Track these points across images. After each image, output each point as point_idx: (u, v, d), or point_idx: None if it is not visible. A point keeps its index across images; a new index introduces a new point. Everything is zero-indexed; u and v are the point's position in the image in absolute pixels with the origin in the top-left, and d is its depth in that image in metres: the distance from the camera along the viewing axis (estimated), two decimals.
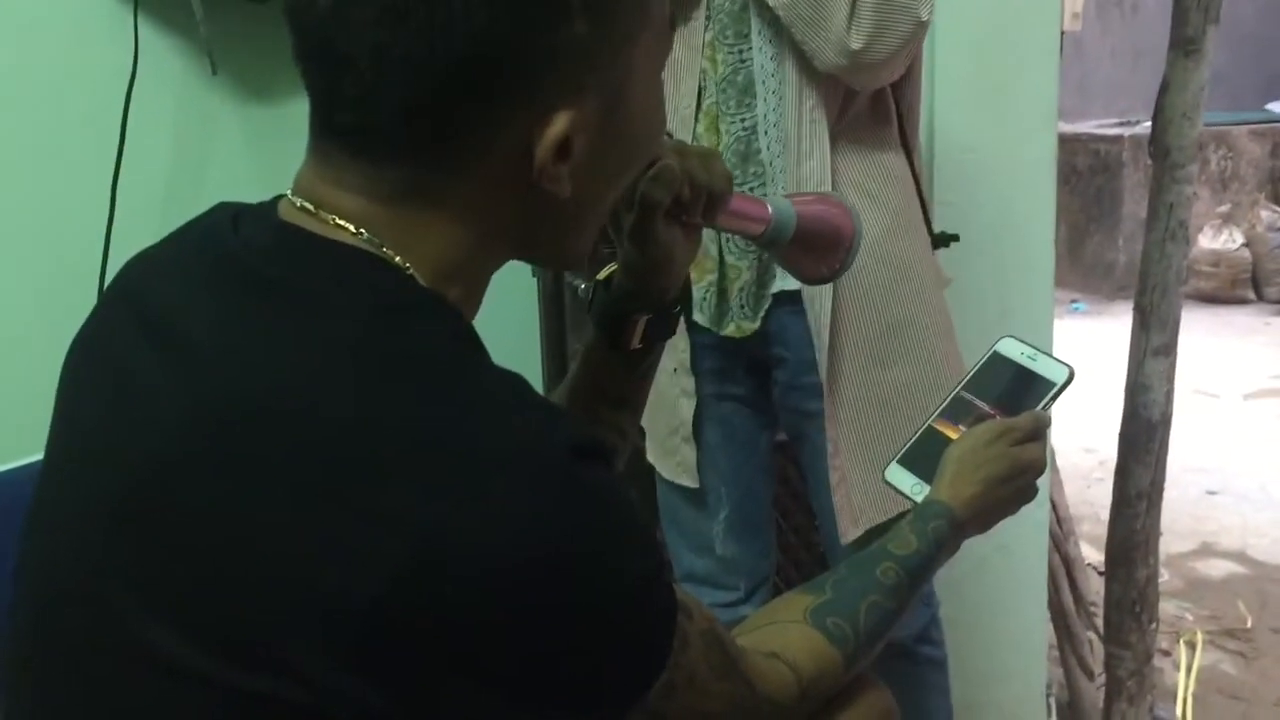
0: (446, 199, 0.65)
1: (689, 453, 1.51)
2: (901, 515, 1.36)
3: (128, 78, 1.60)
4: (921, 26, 1.28)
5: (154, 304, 0.68)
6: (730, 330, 1.45)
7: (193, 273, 0.68)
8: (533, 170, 0.65)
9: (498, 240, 0.69)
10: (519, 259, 0.73)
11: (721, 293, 1.44)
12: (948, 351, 1.45)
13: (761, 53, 1.36)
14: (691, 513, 1.57)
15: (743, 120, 1.38)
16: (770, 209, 0.94)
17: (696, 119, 1.40)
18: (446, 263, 0.66)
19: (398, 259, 0.65)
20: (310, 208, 0.66)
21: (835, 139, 1.36)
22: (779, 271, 1.41)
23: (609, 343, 0.93)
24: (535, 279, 1.71)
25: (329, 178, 0.66)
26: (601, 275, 0.94)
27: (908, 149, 1.45)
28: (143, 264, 0.73)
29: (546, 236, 0.72)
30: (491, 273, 0.71)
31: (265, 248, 0.66)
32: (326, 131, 0.66)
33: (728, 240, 1.42)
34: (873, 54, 1.28)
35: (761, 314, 1.43)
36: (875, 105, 1.41)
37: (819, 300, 1.37)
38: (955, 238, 1.54)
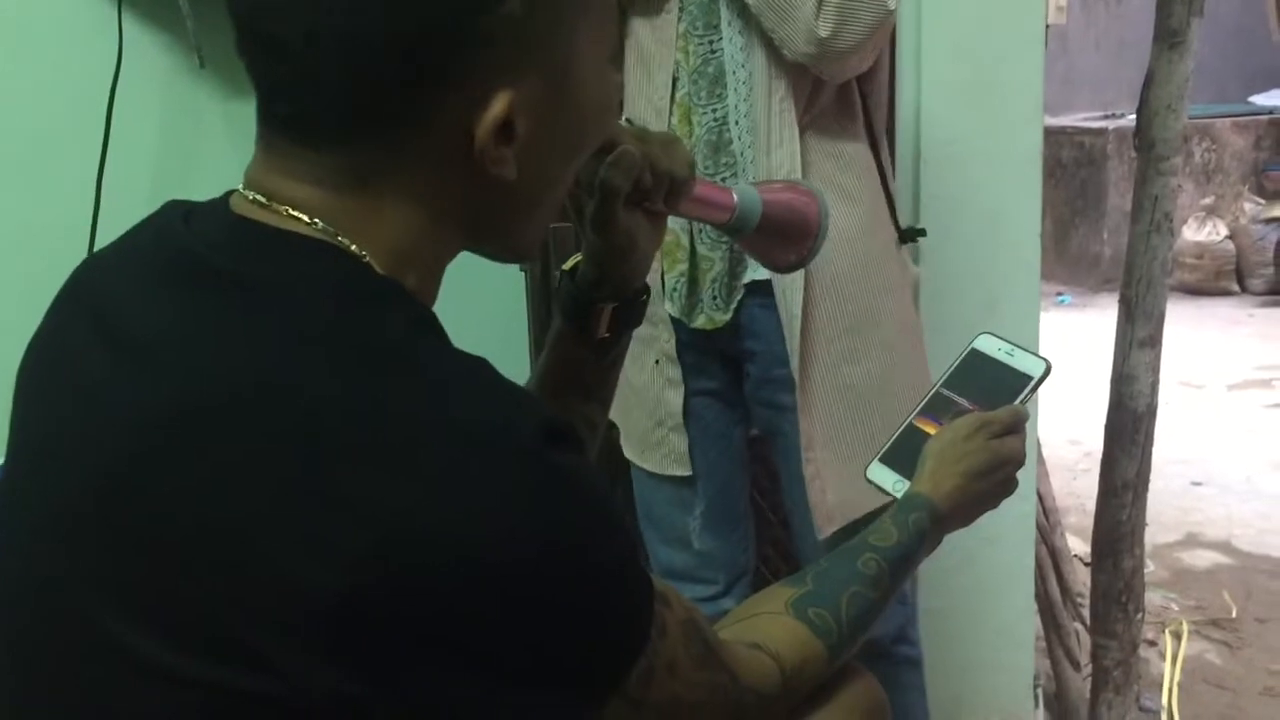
0: (393, 183, 0.65)
1: (679, 441, 1.51)
2: (878, 511, 1.38)
3: (112, 72, 1.60)
4: (890, 15, 1.29)
5: (107, 304, 0.68)
6: (701, 322, 1.45)
7: (146, 271, 0.67)
8: (474, 152, 0.64)
9: (449, 225, 0.68)
10: (472, 249, 0.73)
11: (692, 283, 1.44)
12: (913, 346, 1.46)
13: (732, 43, 1.36)
14: (668, 508, 1.57)
15: (714, 111, 1.38)
16: (735, 196, 0.93)
17: (671, 111, 1.40)
18: (401, 249, 0.66)
19: (354, 247, 0.64)
20: (263, 200, 0.65)
21: (802, 131, 1.37)
22: (751, 262, 1.41)
23: (576, 332, 0.93)
24: (523, 272, 1.71)
25: (278, 168, 0.65)
26: (567, 265, 0.94)
27: (874, 143, 1.45)
28: (94, 266, 0.72)
29: (498, 222, 0.71)
30: (446, 262, 0.71)
31: (219, 243, 0.65)
32: (268, 119, 0.65)
33: (700, 230, 1.42)
34: (841, 42, 1.28)
35: (734, 306, 1.43)
36: (841, 99, 1.41)
37: (790, 293, 1.38)
38: (922, 232, 1.55)
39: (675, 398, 1.50)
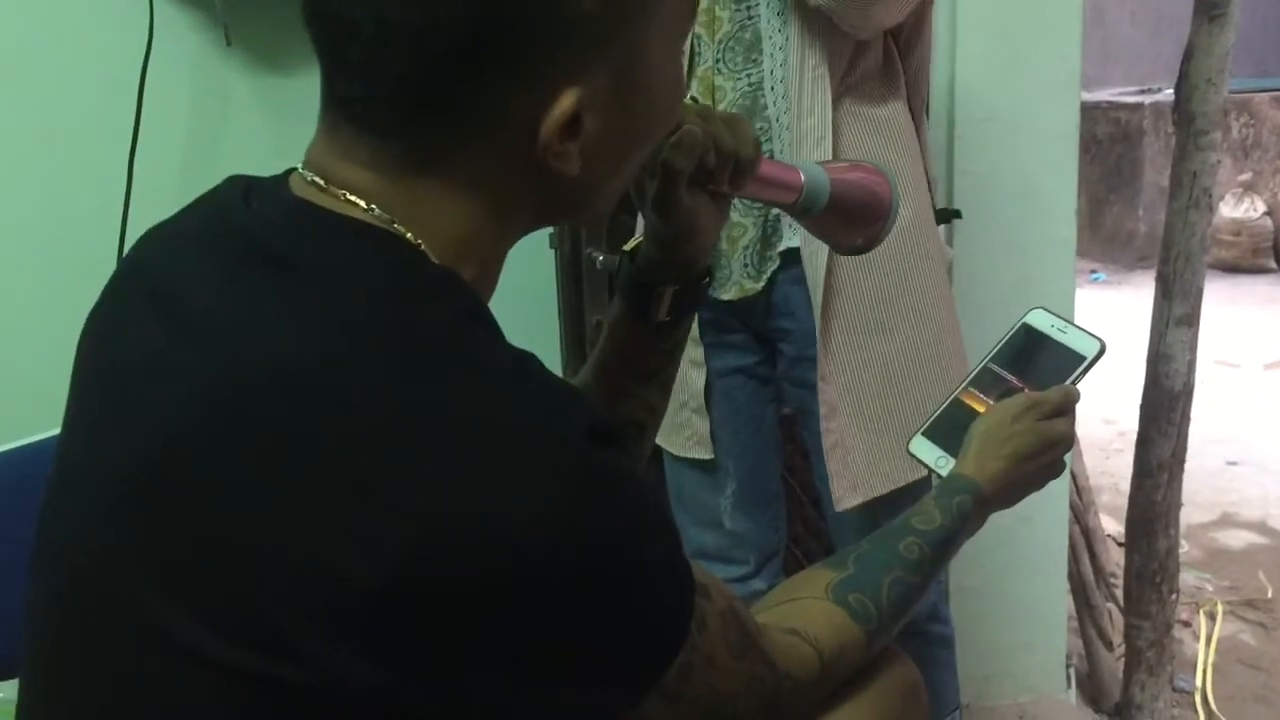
0: (454, 175, 0.64)
1: (701, 424, 1.51)
2: (904, 489, 1.37)
3: (143, 51, 1.60)
4: None
5: (165, 280, 0.68)
6: (733, 293, 1.43)
7: (204, 249, 0.67)
8: (538, 148, 0.63)
9: (509, 215, 0.67)
10: (537, 228, 0.72)
11: (718, 255, 1.43)
12: (947, 320, 1.43)
13: (769, 7, 1.34)
14: (699, 488, 1.56)
15: (749, 76, 1.37)
16: (803, 175, 0.90)
17: (689, 85, 1.39)
18: (457, 238, 0.65)
19: (409, 235, 0.64)
20: (320, 183, 0.65)
21: (840, 97, 1.35)
22: (785, 229, 1.39)
23: (636, 315, 0.91)
24: (553, 251, 1.70)
25: (338, 151, 0.65)
26: (628, 246, 0.92)
27: (915, 114, 1.43)
28: (154, 240, 0.72)
29: (558, 212, 0.71)
30: (506, 250, 0.70)
31: (276, 224, 0.65)
32: (333, 102, 0.65)
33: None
34: None
35: (767, 276, 1.41)
36: (885, 66, 1.39)
37: (818, 260, 1.36)
38: (957, 214, 1.52)
39: (698, 378, 1.49)
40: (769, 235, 1.40)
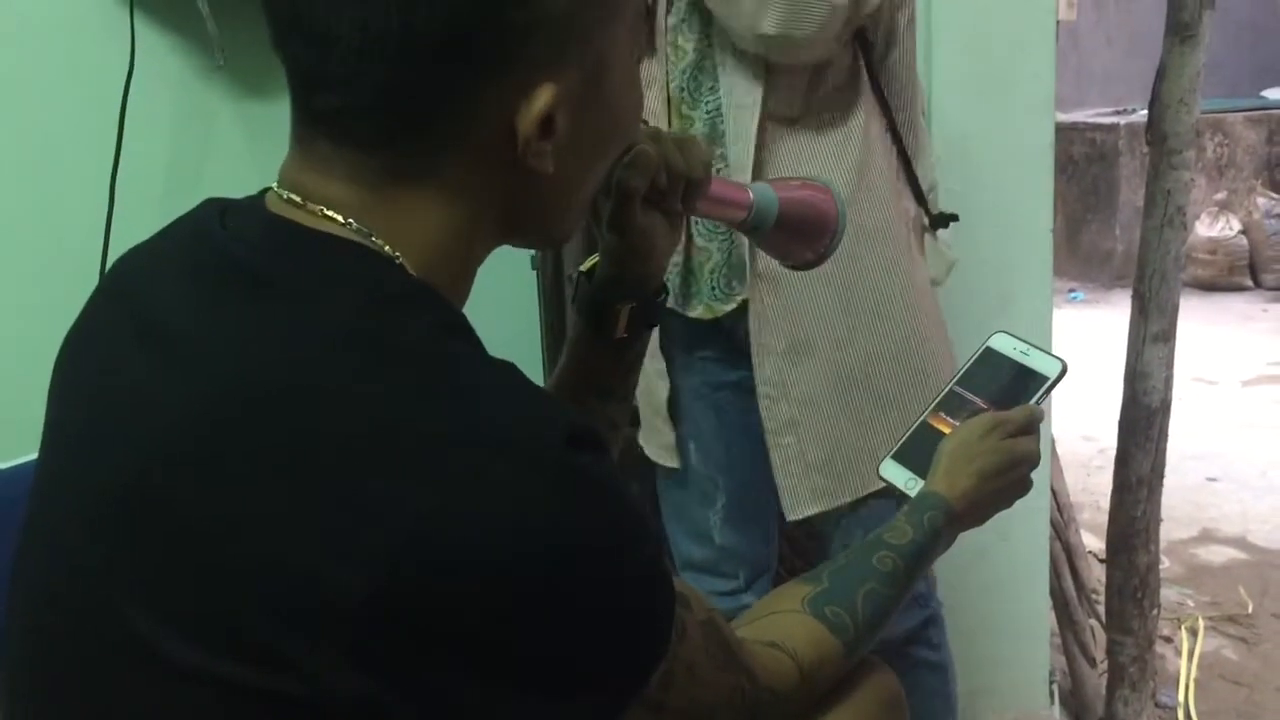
0: (432, 181, 0.65)
1: (667, 431, 1.52)
2: (860, 501, 1.38)
3: (125, 74, 1.60)
4: (836, 9, 1.26)
5: (143, 301, 0.68)
6: (700, 312, 1.44)
7: (182, 269, 0.68)
8: (517, 146, 0.64)
9: (484, 222, 0.68)
10: (506, 243, 0.73)
11: (688, 274, 1.44)
12: (920, 324, 1.43)
13: (721, 37, 1.35)
14: (688, 500, 1.57)
15: (707, 105, 1.38)
16: (751, 194, 0.93)
17: (667, 116, 1.40)
18: (434, 248, 0.66)
19: (387, 248, 0.64)
20: (297, 199, 0.65)
21: (800, 118, 1.36)
22: (752, 249, 1.40)
23: (595, 332, 0.93)
24: (535, 271, 1.71)
25: (315, 167, 0.65)
26: (584, 266, 0.94)
27: (893, 126, 1.44)
28: (131, 261, 0.72)
29: (531, 218, 0.71)
30: (479, 260, 0.71)
31: (253, 242, 0.66)
32: (309, 119, 0.65)
33: (697, 222, 1.42)
34: (789, 40, 1.27)
35: (738, 298, 1.41)
36: (852, 79, 1.39)
37: (780, 275, 1.36)
38: (954, 217, 1.53)
39: (661, 389, 1.50)
40: (733, 260, 1.41)
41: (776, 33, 1.26)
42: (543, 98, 0.64)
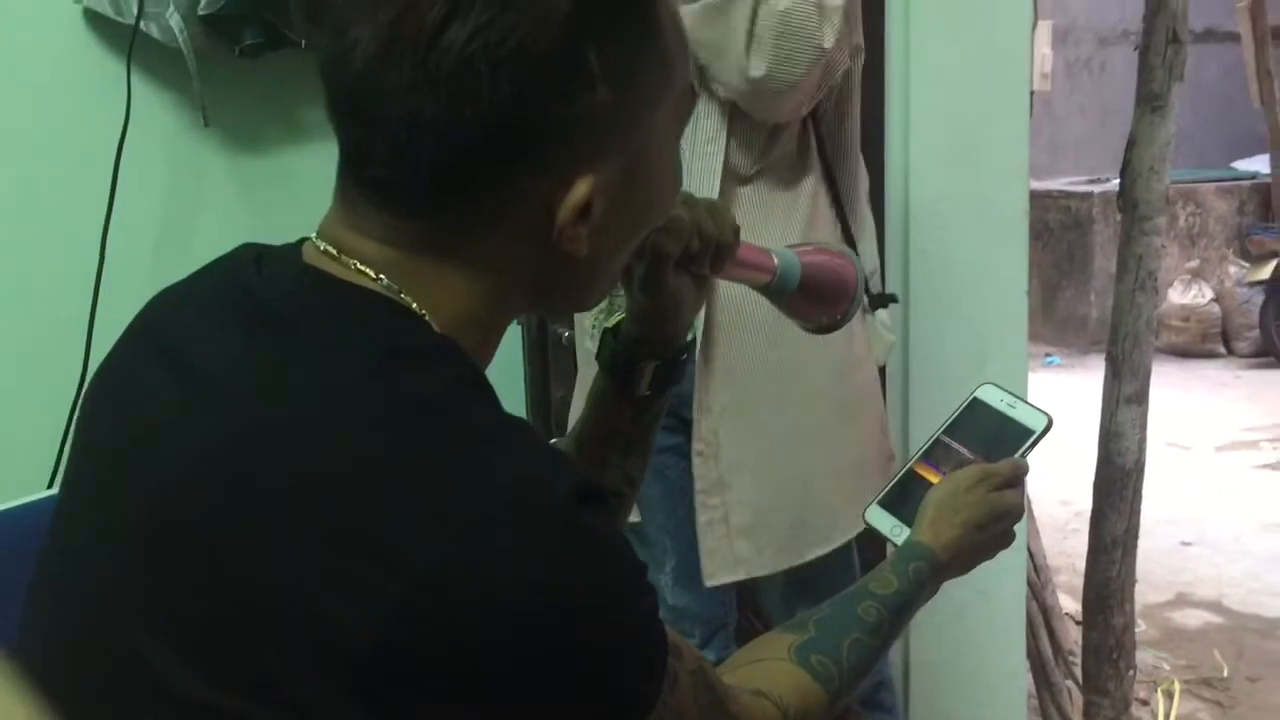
0: (466, 254, 0.67)
1: None
2: (799, 568, 1.38)
3: (119, 130, 1.63)
4: (824, 54, 1.28)
5: (174, 340, 0.70)
6: None
7: (214, 310, 0.70)
8: (553, 232, 0.66)
9: (513, 294, 0.70)
10: (533, 313, 0.75)
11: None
12: (848, 403, 1.44)
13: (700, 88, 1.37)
14: (645, 559, 1.56)
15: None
16: (776, 259, 0.95)
17: None
18: (462, 312, 0.68)
19: (415, 305, 0.66)
20: (333, 252, 0.67)
21: (752, 179, 1.38)
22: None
23: (619, 389, 0.95)
24: (520, 326, 1.73)
25: (353, 225, 0.67)
26: (610, 324, 0.96)
27: (837, 199, 1.46)
28: (165, 301, 0.74)
29: (561, 291, 0.73)
30: (507, 323, 0.73)
31: (285, 288, 0.68)
32: (354, 181, 0.67)
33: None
34: (775, 82, 1.29)
35: None
36: (801, 150, 1.42)
37: (710, 337, 1.38)
38: (893, 298, 1.55)
39: None
40: None
41: (764, 74, 1.28)
42: (581, 189, 0.65)
